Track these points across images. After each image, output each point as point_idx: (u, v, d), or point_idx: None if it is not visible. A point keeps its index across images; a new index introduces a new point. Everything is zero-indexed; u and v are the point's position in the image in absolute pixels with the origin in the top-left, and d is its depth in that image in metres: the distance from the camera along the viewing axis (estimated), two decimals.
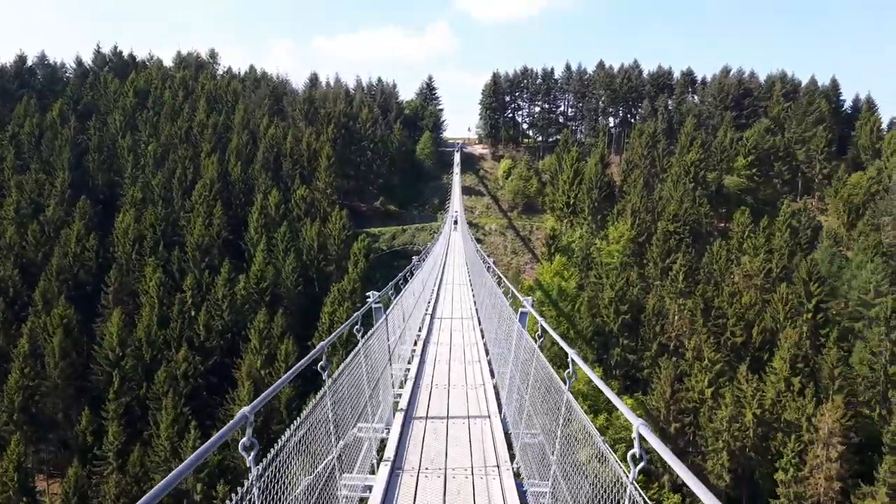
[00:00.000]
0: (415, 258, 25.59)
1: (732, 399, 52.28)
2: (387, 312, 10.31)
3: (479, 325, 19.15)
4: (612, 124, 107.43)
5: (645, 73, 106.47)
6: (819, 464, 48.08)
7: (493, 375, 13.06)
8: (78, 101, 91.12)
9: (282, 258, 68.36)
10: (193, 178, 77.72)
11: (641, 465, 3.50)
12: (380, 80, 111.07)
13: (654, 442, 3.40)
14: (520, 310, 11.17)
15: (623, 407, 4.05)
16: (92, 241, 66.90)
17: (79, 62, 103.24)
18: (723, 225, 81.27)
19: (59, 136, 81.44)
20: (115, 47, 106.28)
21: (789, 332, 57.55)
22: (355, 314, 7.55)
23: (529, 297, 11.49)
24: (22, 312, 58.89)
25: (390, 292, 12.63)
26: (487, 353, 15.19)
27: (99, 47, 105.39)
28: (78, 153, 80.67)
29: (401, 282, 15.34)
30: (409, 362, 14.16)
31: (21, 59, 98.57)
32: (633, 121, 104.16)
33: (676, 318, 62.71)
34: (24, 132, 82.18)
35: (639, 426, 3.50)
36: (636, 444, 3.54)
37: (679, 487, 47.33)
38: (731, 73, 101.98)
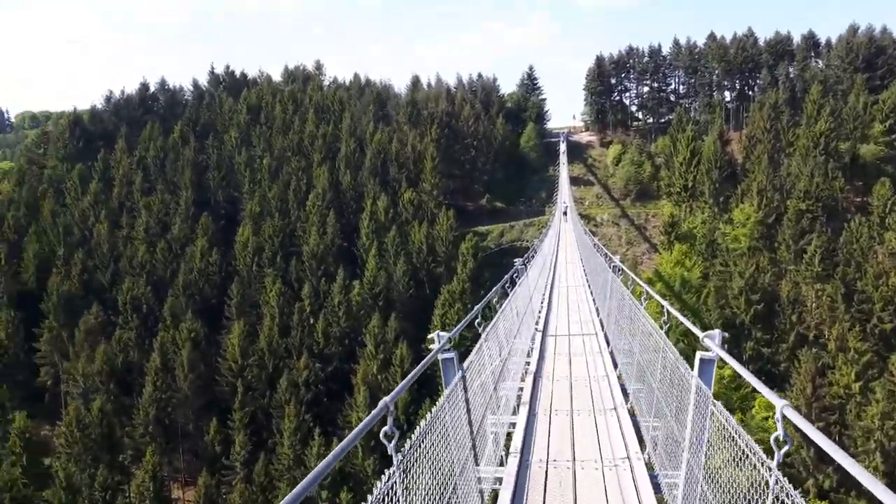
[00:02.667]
0: (517, 261, 19.79)
1: (885, 393, 47.51)
2: (464, 364, 6.42)
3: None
4: (728, 99, 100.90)
5: (761, 41, 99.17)
6: None
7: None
8: (196, 121, 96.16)
9: (393, 262, 69.03)
10: (307, 189, 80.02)
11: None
12: (480, 75, 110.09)
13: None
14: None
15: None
16: (215, 256, 70.25)
17: (195, 84, 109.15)
18: (861, 199, 74.36)
19: (181, 156, 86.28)
20: (228, 67, 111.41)
21: None
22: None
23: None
24: (154, 328, 62.56)
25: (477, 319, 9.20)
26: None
27: (213, 68, 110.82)
28: (199, 172, 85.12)
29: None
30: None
31: (144, 87, 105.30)
32: (751, 93, 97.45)
33: (815, 305, 58.04)
34: (150, 155, 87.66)
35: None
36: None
37: (825, 494, 43.52)
38: (860, 31, 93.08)
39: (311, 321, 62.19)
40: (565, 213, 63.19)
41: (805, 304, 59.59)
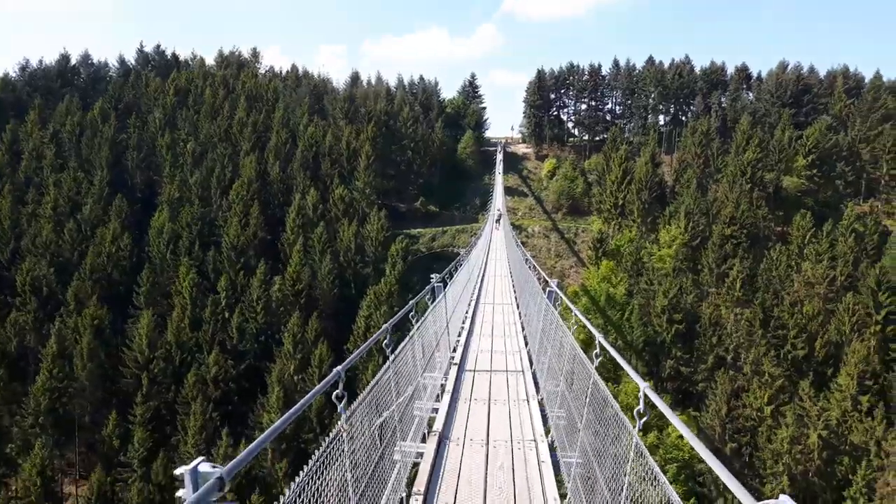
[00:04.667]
0: (462, 251, 24.11)
1: (794, 418, 48.28)
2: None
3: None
4: (662, 122, 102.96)
5: (697, 69, 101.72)
6: (890, 493, 43.91)
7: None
8: (119, 100, 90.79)
9: (318, 260, 66.41)
10: (231, 178, 76.42)
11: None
12: (421, 78, 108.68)
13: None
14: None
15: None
16: (127, 241, 65.93)
17: (122, 61, 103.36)
18: (781, 229, 76.49)
19: (99, 134, 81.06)
20: (158, 46, 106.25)
21: (856, 346, 53.21)
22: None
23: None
24: (55, 312, 57.96)
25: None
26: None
27: (142, 46, 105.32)
28: (117, 152, 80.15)
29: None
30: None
31: (65, 59, 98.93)
32: (684, 119, 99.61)
33: (734, 329, 58.76)
34: (66, 130, 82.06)
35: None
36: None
37: None
38: (789, 68, 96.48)
39: (226, 315, 58.98)
40: (498, 220, 62.27)
41: (724, 327, 60.29)
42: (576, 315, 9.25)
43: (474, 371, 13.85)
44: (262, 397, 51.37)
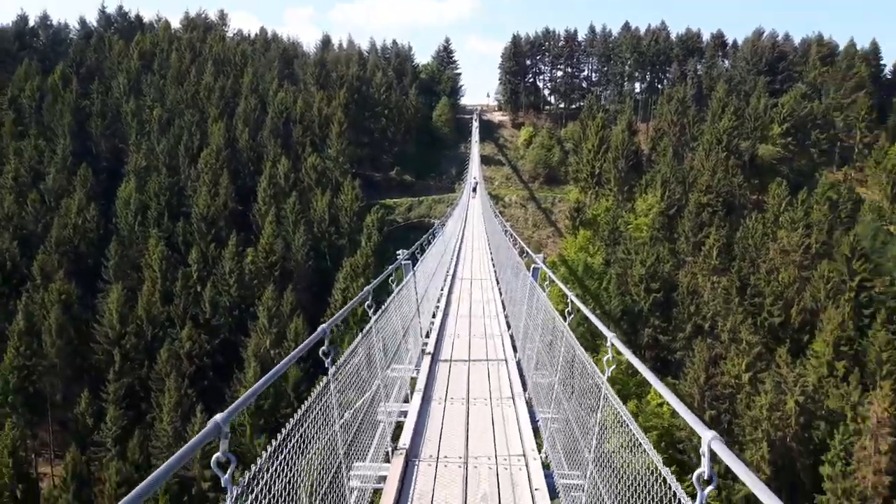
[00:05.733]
0: (436, 222, 22.82)
1: (772, 385, 48.74)
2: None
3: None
4: (638, 90, 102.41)
5: (673, 36, 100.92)
6: (867, 456, 44.66)
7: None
8: (81, 63, 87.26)
9: (292, 231, 65.02)
10: (200, 145, 74.19)
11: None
12: (395, 42, 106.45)
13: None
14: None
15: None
16: (93, 212, 63.84)
17: (82, 23, 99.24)
18: (757, 197, 76.73)
19: (61, 100, 77.92)
20: (120, 7, 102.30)
21: (831, 313, 53.85)
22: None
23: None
24: (20, 287, 56.03)
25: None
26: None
27: (104, 7, 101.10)
28: (80, 119, 77.17)
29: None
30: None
31: (22, 20, 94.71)
32: (660, 86, 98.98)
33: (711, 297, 58.99)
34: (25, 96, 78.74)
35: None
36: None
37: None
38: (764, 35, 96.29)
39: (198, 289, 57.54)
40: (475, 189, 61.45)
41: (702, 296, 60.55)
42: (559, 287, 8.76)
43: (450, 361, 12.16)
44: (239, 373, 50.40)
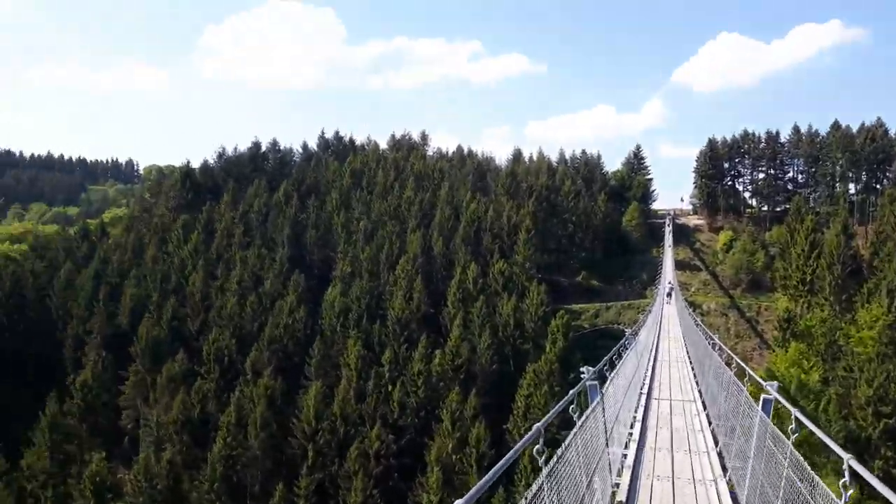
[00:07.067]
0: (627, 330, 19.94)
1: None
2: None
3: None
4: (852, 191, 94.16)
5: (892, 133, 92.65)
6: None
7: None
8: (301, 182, 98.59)
9: (477, 334, 66.25)
10: (399, 253, 79.32)
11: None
12: (584, 151, 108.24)
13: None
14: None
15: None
16: (302, 314, 69.80)
17: (304, 147, 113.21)
18: None
19: (282, 214, 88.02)
20: (337, 132, 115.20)
21: None
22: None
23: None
24: (234, 381, 62.01)
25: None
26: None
27: (323, 133, 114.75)
28: (298, 230, 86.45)
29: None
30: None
31: (256, 146, 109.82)
32: (878, 187, 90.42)
33: None
34: (254, 211, 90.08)
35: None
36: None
37: None
38: None
39: (389, 388, 59.93)
40: (669, 294, 58.65)
41: None
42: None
43: None
44: (421, 476, 50.97)
